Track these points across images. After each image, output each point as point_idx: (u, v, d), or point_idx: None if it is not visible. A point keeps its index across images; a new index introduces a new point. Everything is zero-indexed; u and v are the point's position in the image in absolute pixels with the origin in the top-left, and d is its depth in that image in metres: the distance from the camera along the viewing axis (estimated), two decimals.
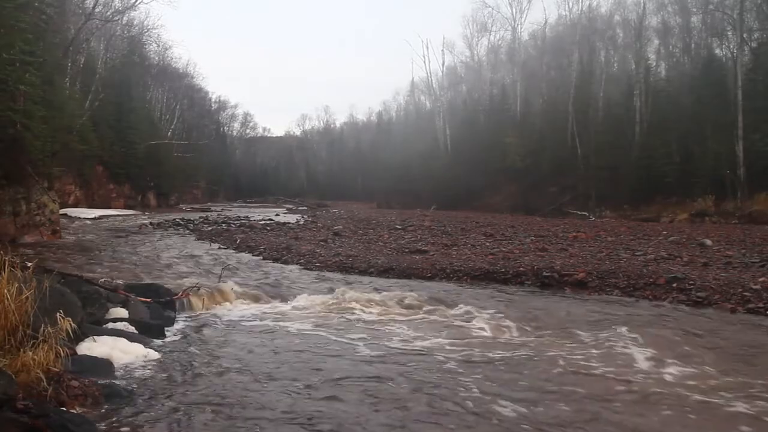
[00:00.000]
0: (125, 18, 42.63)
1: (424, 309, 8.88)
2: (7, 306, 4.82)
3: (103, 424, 4.28)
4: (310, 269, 13.03)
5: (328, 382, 5.44)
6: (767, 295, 8.96)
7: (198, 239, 20.20)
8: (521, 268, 11.67)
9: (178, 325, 7.70)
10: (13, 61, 15.62)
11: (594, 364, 6.11)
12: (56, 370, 4.59)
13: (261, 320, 8.16)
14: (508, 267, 11.93)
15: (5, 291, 4.86)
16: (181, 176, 54.88)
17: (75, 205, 35.65)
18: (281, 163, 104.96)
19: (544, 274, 11.14)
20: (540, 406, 4.92)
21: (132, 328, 6.77)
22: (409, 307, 9.02)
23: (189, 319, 8.11)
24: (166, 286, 9.26)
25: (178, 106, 63.29)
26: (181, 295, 8.65)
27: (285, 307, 9.09)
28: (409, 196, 51.48)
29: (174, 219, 29.69)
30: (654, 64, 41.77)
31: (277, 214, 38.18)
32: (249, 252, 16.09)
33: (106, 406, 4.61)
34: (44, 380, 4.40)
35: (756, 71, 31.81)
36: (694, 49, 41.01)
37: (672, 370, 5.90)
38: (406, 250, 15.44)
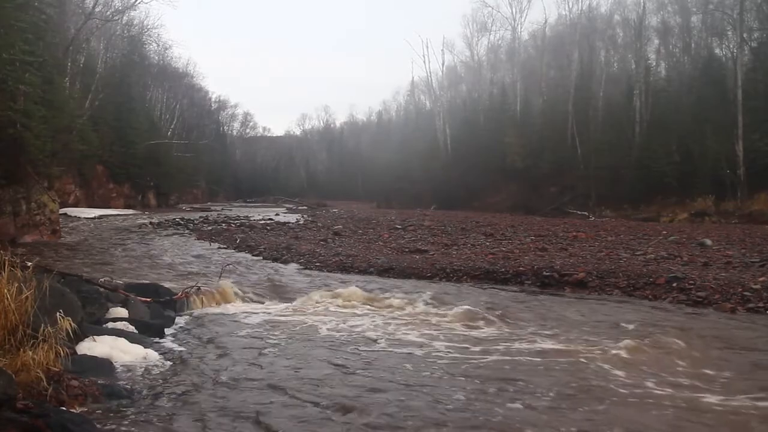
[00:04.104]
0: (125, 18, 42.57)
1: (421, 308, 8.87)
2: (7, 305, 4.82)
3: (103, 424, 4.27)
4: (310, 269, 13.04)
5: (328, 381, 5.44)
6: (767, 295, 8.96)
7: (198, 239, 20.20)
8: (521, 268, 11.68)
9: (178, 325, 7.71)
10: (13, 61, 15.61)
11: (592, 364, 6.10)
12: (56, 369, 4.59)
13: (260, 319, 8.16)
14: (508, 267, 11.93)
15: (5, 290, 4.86)
16: (181, 176, 54.83)
17: (75, 205, 35.63)
18: (281, 163, 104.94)
19: (544, 273, 11.14)
20: (538, 405, 4.92)
21: (132, 328, 6.78)
22: (406, 305, 9.02)
23: (189, 318, 8.12)
24: (165, 285, 9.26)
25: (177, 106, 63.21)
26: (181, 294, 8.66)
27: (284, 307, 9.10)
28: (409, 196, 51.49)
29: (174, 219, 29.70)
30: (654, 64, 41.81)
31: (277, 214, 38.18)
32: (249, 251, 16.09)
33: (106, 406, 4.61)
34: (44, 380, 4.40)
35: (756, 71, 31.85)
36: (694, 49, 41.03)
37: (671, 370, 5.90)
38: (406, 250, 15.44)
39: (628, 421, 4.61)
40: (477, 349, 6.68)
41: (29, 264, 5.82)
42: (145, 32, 48.04)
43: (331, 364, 6.02)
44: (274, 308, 9.01)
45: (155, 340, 6.74)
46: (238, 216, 33.55)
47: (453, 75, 64.20)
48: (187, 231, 23.35)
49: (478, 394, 5.16)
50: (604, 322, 8.05)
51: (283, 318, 8.32)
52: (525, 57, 55.08)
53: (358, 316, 8.44)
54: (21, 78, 15.96)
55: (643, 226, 24.13)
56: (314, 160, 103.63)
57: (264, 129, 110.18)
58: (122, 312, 7.45)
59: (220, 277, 10.29)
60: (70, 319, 5.15)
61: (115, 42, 46.19)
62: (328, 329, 7.60)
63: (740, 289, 9.28)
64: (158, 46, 54.78)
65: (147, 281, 9.82)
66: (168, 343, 6.80)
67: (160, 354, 6.17)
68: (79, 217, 29.01)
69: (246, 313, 8.58)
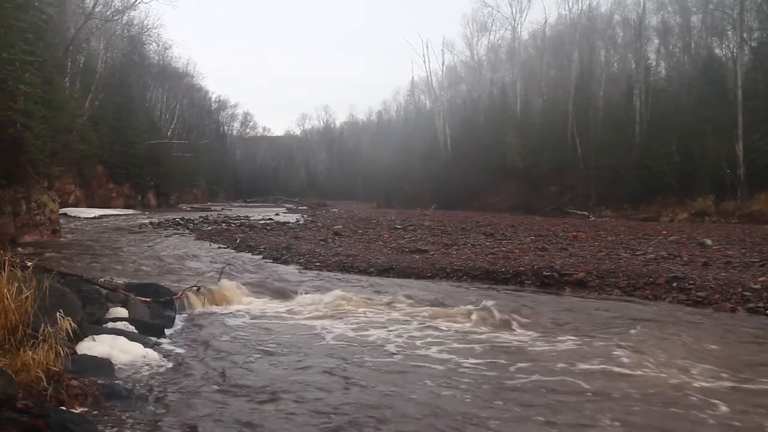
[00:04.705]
0: (125, 17, 42.59)
1: (421, 308, 8.85)
2: (7, 305, 4.82)
3: (103, 424, 4.27)
4: (310, 269, 13.03)
5: (329, 381, 5.44)
6: (767, 295, 8.95)
7: (198, 239, 20.20)
8: (521, 268, 11.67)
9: (178, 325, 7.70)
10: (13, 60, 15.62)
11: (592, 364, 6.09)
12: (56, 369, 4.58)
13: (260, 319, 8.15)
14: (508, 267, 11.92)
15: (5, 290, 4.85)
16: (181, 176, 54.86)
17: (75, 205, 35.64)
18: (281, 163, 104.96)
19: (544, 273, 11.13)
20: (539, 405, 4.92)
21: (132, 328, 6.77)
22: (406, 306, 9.01)
23: (188, 318, 8.11)
24: (165, 285, 9.26)
25: (177, 106, 63.23)
26: (181, 294, 8.65)
27: (284, 307, 9.09)
28: (409, 196, 51.51)
29: (174, 218, 29.68)
30: (654, 63, 41.82)
31: (277, 214, 38.18)
32: (249, 251, 16.09)
33: (106, 406, 4.60)
34: (44, 380, 4.39)
35: (756, 71, 31.87)
36: (694, 48, 41.06)
37: (671, 370, 5.89)
38: (406, 250, 15.44)
39: (622, 420, 4.60)
40: (486, 350, 6.68)
41: (29, 264, 5.81)
42: (145, 32, 48.08)
43: (332, 367, 5.99)
44: (274, 308, 8.99)
45: (155, 340, 6.73)
46: (238, 216, 33.55)
47: (453, 75, 64.27)
48: (187, 231, 23.34)
49: (506, 413, 4.82)
50: (604, 321, 8.04)
51: (283, 318, 8.31)
52: (525, 57, 55.10)
53: (359, 316, 8.42)
54: (21, 78, 15.98)
55: (643, 226, 24.13)
56: (314, 160, 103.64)
57: (264, 129, 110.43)
58: (122, 312, 7.44)
59: (219, 277, 10.28)
60: (70, 318, 5.14)
61: (115, 42, 46.20)
62: (327, 330, 7.58)
63: (740, 289, 9.27)
64: (158, 46, 54.89)
65: (147, 281, 9.81)
66: (168, 343, 6.79)
67: (159, 354, 6.17)
68: (79, 217, 29.02)
69: (246, 313, 8.57)
